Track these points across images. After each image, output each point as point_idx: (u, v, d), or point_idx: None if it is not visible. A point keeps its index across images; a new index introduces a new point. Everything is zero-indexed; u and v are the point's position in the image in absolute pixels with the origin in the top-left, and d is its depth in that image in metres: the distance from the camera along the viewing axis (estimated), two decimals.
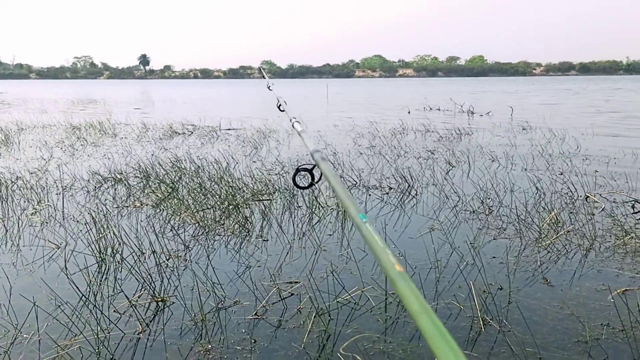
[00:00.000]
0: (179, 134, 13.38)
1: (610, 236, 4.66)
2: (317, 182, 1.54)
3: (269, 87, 3.46)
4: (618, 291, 3.45)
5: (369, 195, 6.36)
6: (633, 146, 10.24)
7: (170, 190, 6.30)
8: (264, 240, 4.69)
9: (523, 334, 2.91)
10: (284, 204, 5.82)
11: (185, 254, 4.33)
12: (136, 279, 3.70)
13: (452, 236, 4.68)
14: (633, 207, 5.63)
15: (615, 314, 3.08)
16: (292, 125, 2.05)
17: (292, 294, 3.52)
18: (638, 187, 6.57)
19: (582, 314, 3.15)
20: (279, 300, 3.42)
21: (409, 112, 20.51)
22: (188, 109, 24.48)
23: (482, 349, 2.81)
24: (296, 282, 3.69)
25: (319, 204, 5.79)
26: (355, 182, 6.96)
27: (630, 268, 3.92)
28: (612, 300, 3.33)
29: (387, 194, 6.42)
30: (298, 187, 1.57)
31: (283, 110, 2.91)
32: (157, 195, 6.16)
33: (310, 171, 1.52)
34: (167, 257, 4.19)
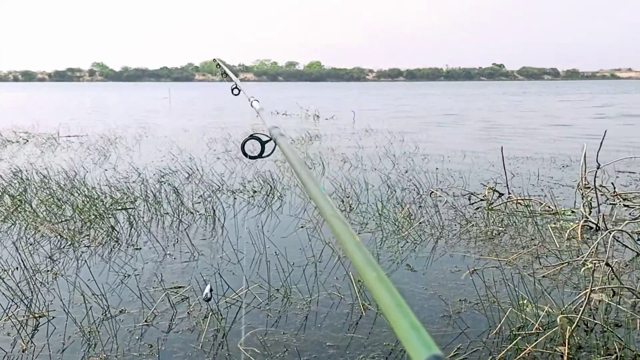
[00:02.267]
0: (12, 142, 12.28)
1: (455, 225, 5.30)
2: (266, 155, 1.50)
3: (232, 91, 2.94)
4: (469, 271, 3.99)
5: (235, 198, 6.48)
6: (459, 147, 11.52)
7: (18, 203, 5.86)
8: (136, 248, 4.61)
9: None
10: (150, 211, 5.72)
11: (53, 267, 4.13)
12: (5, 296, 3.47)
13: (322, 233, 4.99)
14: (469, 199, 6.42)
15: (469, 290, 3.58)
16: (251, 104, 2.03)
17: (181, 298, 3.55)
18: (470, 181, 7.47)
19: (443, 293, 3.61)
20: (168, 306, 3.44)
21: (257, 116, 20.76)
22: (15, 115, 22.39)
23: (364, 331, 3.11)
24: (181, 287, 3.72)
25: (187, 209, 5.79)
26: (218, 186, 7.02)
27: (474, 251, 4.53)
28: (465, 279, 3.85)
29: (253, 196, 6.60)
30: (246, 155, 1.52)
31: (237, 94, 2.73)
32: (3, 209, 5.70)
33: (262, 142, 1.47)
34: (34, 272, 3.96)
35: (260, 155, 1.48)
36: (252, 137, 1.48)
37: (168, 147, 11.18)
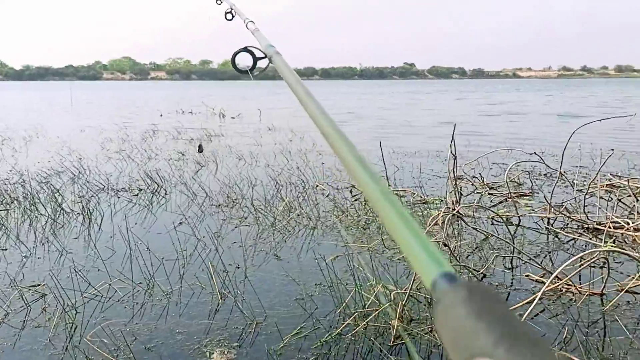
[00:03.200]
0: None
1: (331, 216, 5.55)
2: (258, 72, 1.42)
3: (226, 16, 2.44)
4: (330, 258, 4.22)
5: (118, 198, 6.42)
6: (356, 144, 11.91)
7: None
8: (2, 249, 4.51)
9: (254, 300, 3.44)
10: (25, 213, 5.57)
11: None
12: None
13: (198, 229, 5.08)
14: (351, 191, 6.72)
15: (326, 275, 3.80)
16: (246, 26, 1.85)
17: (39, 296, 3.54)
18: None
19: (301, 278, 3.82)
20: (22, 304, 3.42)
21: (161, 116, 20.44)
22: None
23: (221, 317, 3.26)
24: (39, 285, 3.70)
25: (64, 210, 5.69)
26: (103, 186, 6.92)
27: (342, 239, 4.78)
28: (327, 265, 4.07)
29: (137, 195, 6.56)
30: (236, 69, 1.44)
31: (231, 19, 2.39)
32: None
33: (255, 57, 1.39)
34: None
35: (251, 71, 1.39)
36: (245, 49, 1.38)
37: (58, 148, 10.80)
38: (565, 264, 3.08)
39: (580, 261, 3.67)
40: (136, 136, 12.95)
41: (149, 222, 5.39)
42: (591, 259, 3.33)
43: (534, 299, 2.86)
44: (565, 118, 18.96)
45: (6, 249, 4.51)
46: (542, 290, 2.89)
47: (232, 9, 2.23)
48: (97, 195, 6.49)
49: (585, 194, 5.06)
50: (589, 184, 5.37)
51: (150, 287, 3.67)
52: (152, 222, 5.41)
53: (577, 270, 3.33)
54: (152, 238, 4.80)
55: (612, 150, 6.25)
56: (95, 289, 3.59)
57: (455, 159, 5.34)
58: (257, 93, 53.57)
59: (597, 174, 5.54)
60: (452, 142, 5.13)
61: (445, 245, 3.84)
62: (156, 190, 6.74)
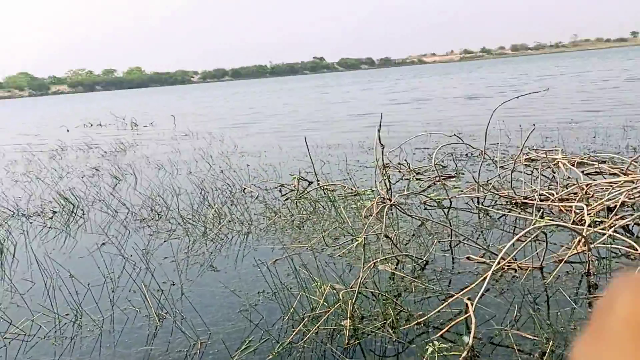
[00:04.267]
0: None
1: (264, 218, 5.38)
2: None
3: None
4: (270, 262, 4.07)
5: (31, 223, 5.95)
6: (275, 142, 11.77)
7: None
8: None
9: (195, 318, 3.23)
10: None
11: None
12: None
13: (124, 247, 4.77)
14: (280, 191, 6.58)
15: (268, 281, 3.64)
16: None
17: None
18: (283, 173, 7.66)
19: (242, 288, 3.64)
20: None
21: (67, 131, 19.36)
22: None
23: (160, 341, 3.03)
24: None
25: None
26: (12, 212, 6.39)
27: (279, 241, 4.63)
28: (267, 271, 3.91)
29: (52, 218, 6.10)
30: None
31: None
32: None
33: None
34: None
35: None
36: None
37: None
38: (507, 245, 3.09)
39: (517, 237, 3.73)
40: (43, 155, 12.16)
41: (68, 246, 5.00)
42: (532, 236, 3.38)
43: (483, 282, 2.85)
44: (471, 100, 19.68)
45: None
46: (490, 273, 2.88)
47: None
48: (6, 222, 5.98)
49: (512, 171, 5.19)
50: (515, 160, 5.51)
51: (79, 318, 3.37)
52: (72, 245, 5.03)
53: (519, 249, 3.37)
54: (74, 263, 4.45)
55: (534, 125, 6.45)
56: (17, 327, 3.25)
57: (383, 147, 5.32)
58: (166, 99, 52.13)
59: (521, 149, 5.71)
60: (378, 131, 5.10)
61: (386, 236, 3.78)
62: (72, 211, 6.30)
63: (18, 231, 5.62)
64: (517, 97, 5.34)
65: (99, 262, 4.39)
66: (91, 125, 21.34)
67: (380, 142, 5.15)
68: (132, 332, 3.16)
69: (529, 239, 3.36)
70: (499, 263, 3.05)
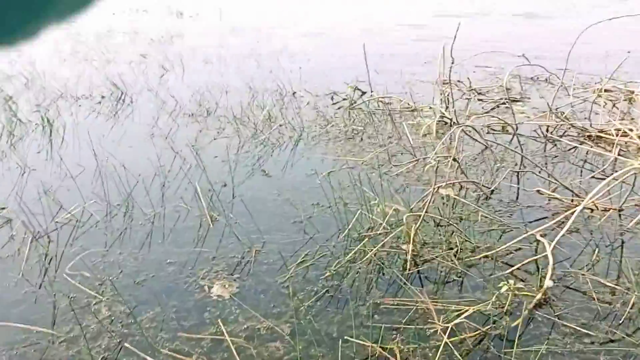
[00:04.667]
0: None
1: (316, 126, 5.16)
2: None
3: None
4: (324, 174, 3.89)
5: (79, 105, 5.85)
6: (323, 44, 11.31)
7: None
8: None
9: (248, 224, 3.12)
10: None
11: None
12: None
13: (173, 141, 4.65)
14: (332, 98, 6.30)
15: (322, 194, 3.48)
16: None
17: (4, 221, 3.13)
18: (335, 80, 7.33)
19: (296, 198, 3.49)
20: None
21: (113, 14, 19.00)
22: None
23: (212, 243, 2.94)
24: (2, 208, 3.28)
25: (20, 120, 5.13)
26: (60, 92, 6.30)
27: (332, 152, 4.44)
28: (319, 182, 3.75)
29: (100, 103, 6.00)
30: None
31: None
32: None
33: None
34: None
35: None
36: None
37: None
38: (601, 185, 2.83)
39: (612, 177, 3.46)
40: (89, 36, 11.95)
41: (117, 134, 4.91)
42: (623, 177, 3.10)
43: (565, 224, 2.63)
44: (531, 18, 18.49)
45: None
46: (577, 211, 2.65)
47: None
48: (55, 102, 5.89)
49: (593, 102, 4.80)
50: (594, 89, 5.10)
51: (130, 210, 3.29)
52: (121, 133, 4.93)
53: (607, 189, 3.07)
54: (123, 152, 4.36)
55: (629, 52, 5.91)
56: (69, 212, 3.19)
57: (452, 62, 4.95)
58: None
59: (608, 78, 5.27)
60: (453, 44, 4.71)
61: (455, 160, 3.55)
62: (120, 98, 6.18)
63: (67, 113, 5.54)
64: (610, 20, 4.83)
65: (148, 154, 4.29)
66: (137, 10, 20.89)
67: (451, 55, 4.78)
68: (184, 230, 3.08)
69: (619, 180, 3.08)
70: (577, 204, 2.80)
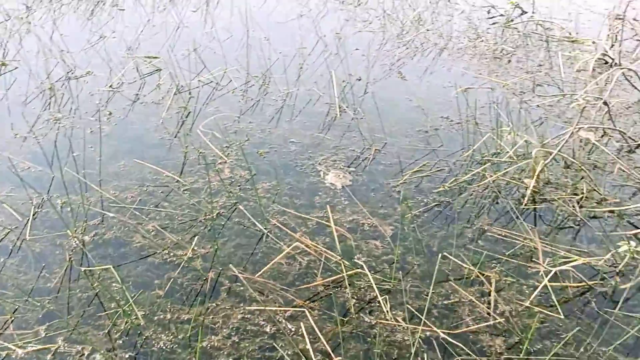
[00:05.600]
0: None
1: (464, 38, 4.91)
2: None
3: None
4: (461, 89, 3.75)
5: None
6: None
7: None
8: (120, 9, 4.31)
9: (373, 122, 3.14)
10: None
11: (28, 15, 3.88)
12: None
13: (320, 25, 4.65)
14: (489, 12, 5.91)
15: (456, 108, 3.38)
16: None
17: (152, 69, 3.38)
18: None
19: (427, 107, 3.43)
20: (137, 74, 3.28)
21: None
22: None
23: (336, 132, 3.01)
24: (155, 57, 3.52)
25: None
26: None
27: (475, 69, 4.24)
28: (455, 96, 3.63)
29: None
30: None
31: None
32: None
33: None
34: (7, 18, 3.73)
35: None
36: None
37: None
38: None
39: None
40: None
41: (268, 8, 4.98)
42: None
43: None
44: None
45: (124, 9, 4.31)
46: None
47: None
48: None
49: None
50: None
51: (266, 83, 3.41)
52: (272, 8, 4.99)
53: None
54: (271, 27, 4.44)
55: None
56: (211, 74, 3.37)
57: None
58: None
59: None
60: None
61: (605, 103, 3.26)
62: None
63: None
64: None
65: (293, 32, 4.34)
66: None
67: None
68: (312, 115, 3.16)
69: None
70: None
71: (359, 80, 3.67)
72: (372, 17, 5.07)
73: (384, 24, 4.87)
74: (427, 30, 4.91)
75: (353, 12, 5.13)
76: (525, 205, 2.57)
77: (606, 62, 4.76)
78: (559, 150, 2.76)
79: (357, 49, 4.25)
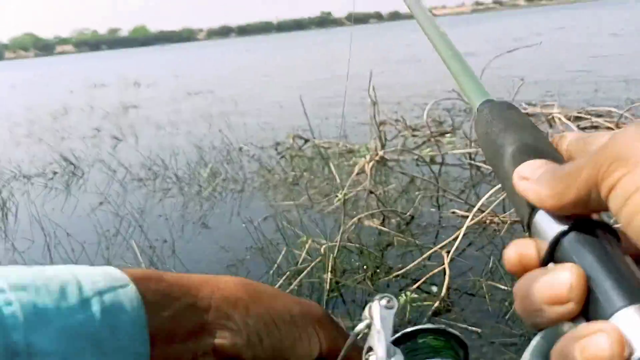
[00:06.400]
0: None
1: (258, 177, 5.46)
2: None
3: None
4: (259, 219, 4.16)
5: (32, 184, 6.07)
6: (278, 99, 11.77)
7: None
8: None
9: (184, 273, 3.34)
10: None
11: None
12: None
13: (120, 207, 4.88)
14: (276, 149, 6.64)
15: (257, 238, 3.73)
16: None
17: None
18: (280, 131, 7.69)
19: (231, 245, 3.74)
20: None
21: (71, 92, 19.38)
22: None
23: None
24: None
25: None
26: (14, 174, 6.51)
27: (272, 199, 4.72)
28: (257, 227, 4.00)
29: (52, 179, 6.22)
30: None
31: None
32: None
33: None
34: None
35: None
36: None
37: None
38: (486, 196, 3.16)
39: (502, 192, 3.77)
40: (46, 117, 12.24)
41: (68, 206, 5.13)
42: None
43: (459, 234, 2.92)
44: (470, 56, 19.38)
45: None
46: (465, 224, 2.96)
47: None
48: (8, 184, 6.11)
49: None
50: None
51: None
52: (72, 205, 5.15)
53: (498, 200, 3.41)
54: (72, 222, 4.58)
55: (522, 79, 6.41)
56: None
57: (375, 103, 5.34)
58: (170, 58, 51.88)
59: (527, 104, 5.68)
60: (371, 88, 5.11)
61: (371, 192, 3.85)
62: (73, 172, 6.42)
63: (19, 192, 5.75)
64: (509, 52, 5.31)
65: (94, 221, 4.51)
66: (95, 86, 21.33)
67: (372, 98, 5.16)
68: None
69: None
70: (475, 216, 3.12)
71: (165, 242, 3.91)
72: (170, 184, 5.45)
73: (181, 187, 5.26)
74: (223, 180, 5.38)
75: (152, 186, 5.47)
76: (329, 296, 2.90)
77: (379, 161, 5.57)
78: (342, 241, 3.19)
79: (160, 216, 4.52)
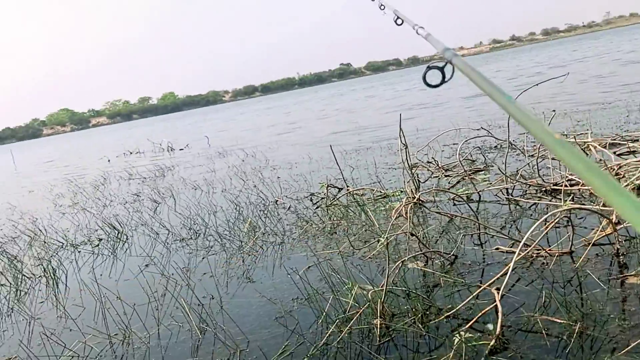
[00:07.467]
0: None
1: (296, 228, 5.52)
2: (448, 80, 1.44)
3: (396, 22, 2.36)
4: (303, 270, 4.19)
5: (79, 252, 6.24)
6: (304, 152, 11.95)
7: None
8: None
9: (234, 328, 3.38)
10: None
11: None
12: None
13: (166, 267, 4.97)
14: (311, 199, 6.71)
15: (302, 288, 3.76)
16: (417, 32, 1.79)
17: None
18: (313, 182, 7.79)
19: (277, 297, 3.77)
20: None
21: (109, 161, 20.01)
22: None
23: (203, 352, 3.18)
24: (10, 358, 3.54)
25: (25, 276, 5.49)
26: (61, 244, 6.71)
27: (311, 249, 4.75)
28: (300, 278, 4.04)
29: (98, 245, 6.39)
30: (429, 85, 1.44)
31: (401, 24, 2.25)
32: None
33: (441, 69, 1.43)
34: None
35: (442, 82, 1.42)
36: (429, 68, 1.44)
37: (8, 214, 10.43)
38: (530, 230, 3.14)
39: (545, 224, 3.75)
40: (87, 186, 12.63)
41: (115, 271, 5.24)
42: (554, 220, 3.40)
43: (507, 270, 2.90)
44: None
45: None
46: (513, 260, 2.94)
47: (398, 16, 2.25)
48: (57, 254, 6.29)
49: (537, 158, 5.18)
50: (538, 148, 5.50)
51: (127, 337, 3.56)
52: (119, 269, 5.26)
53: (543, 234, 3.40)
54: (120, 286, 4.67)
55: (554, 111, 6.43)
56: (71, 350, 3.46)
57: (406, 147, 5.39)
58: (194, 120, 53.22)
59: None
60: (401, 132, 5.18)
61: (412, 234, 3.86)
62: (117, 237, 6.58)
63: (68, 261, 5.91)
64: (537, 85, 5.35)
65: (143, 283, 4.60)
66: (130, 153, 21.99)
67: (403, 141, 5.22)
68: (177, 345, 3.33)
69: (551, 224, 3.38)
70: (521, 252, 3.09)
71: (212, 298, 3.96)
72: (211, 242, 5.54)
73: (223, 244, 5.34)
74: (263, 234, 5.45)
75: (195, 245, 5.56)
76: (380, 341, 2.89)
77: (415, 204, 5.58)
78: (389, 285, 3.19)
79: (205, 274, 4.59)
